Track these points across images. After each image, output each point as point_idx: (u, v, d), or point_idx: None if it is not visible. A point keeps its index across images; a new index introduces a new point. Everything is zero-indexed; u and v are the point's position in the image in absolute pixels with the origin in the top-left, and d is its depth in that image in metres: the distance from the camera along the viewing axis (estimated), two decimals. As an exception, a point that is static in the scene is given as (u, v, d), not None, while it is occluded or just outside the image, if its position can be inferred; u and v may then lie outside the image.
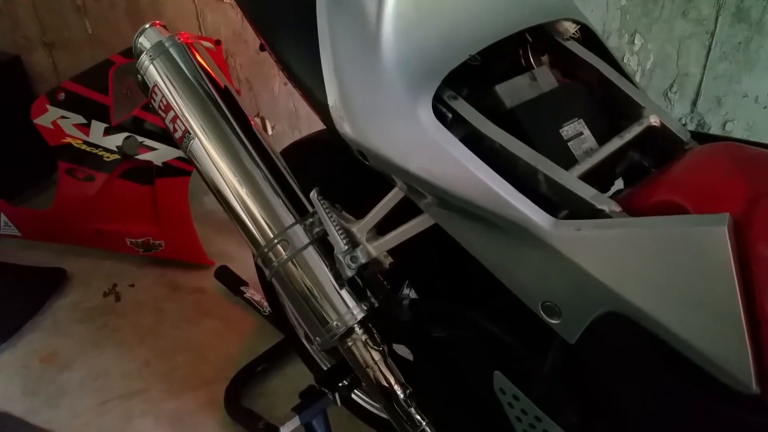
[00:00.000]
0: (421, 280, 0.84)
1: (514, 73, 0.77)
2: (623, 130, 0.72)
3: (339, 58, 0.69)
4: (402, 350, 0.92)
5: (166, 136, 1.54)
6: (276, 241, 0.81)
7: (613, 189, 0.72)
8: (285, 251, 0.81)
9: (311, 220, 0.82)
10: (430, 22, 0.68)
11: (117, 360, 1.41)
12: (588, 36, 0.82)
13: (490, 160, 0.63)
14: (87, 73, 1.58)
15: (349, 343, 0.82)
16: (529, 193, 0.61)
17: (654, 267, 0.54)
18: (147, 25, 0.92)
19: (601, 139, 0.73)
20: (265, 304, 1.48)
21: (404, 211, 0.74)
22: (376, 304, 0.82)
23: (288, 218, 0.82)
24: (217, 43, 1.57)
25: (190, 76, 0.86)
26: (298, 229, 0.81)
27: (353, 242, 0.78)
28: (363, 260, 0.77)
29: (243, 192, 0.83)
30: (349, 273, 0.78)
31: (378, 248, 0.77)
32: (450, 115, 0.67)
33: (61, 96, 1.57)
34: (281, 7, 0.81)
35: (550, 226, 0.60)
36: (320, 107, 0.72)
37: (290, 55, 0.78)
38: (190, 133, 0.84)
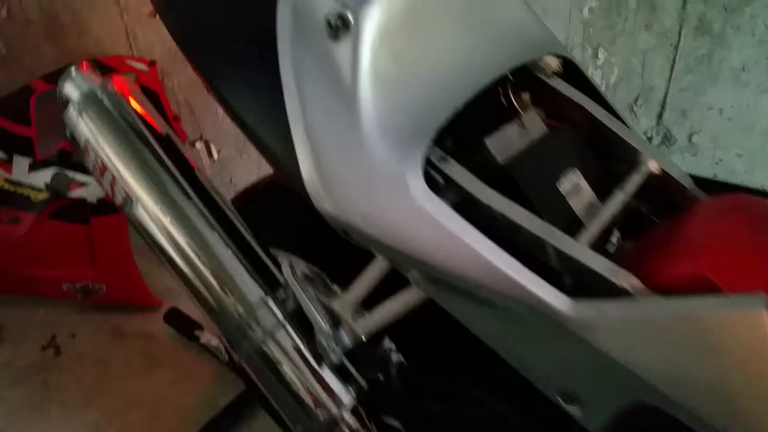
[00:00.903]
0: (411, 345, 0.75)
1: (496, 115, 0.69)
2: (622, 180, 0.66)
3: (311, 119, 0.59)
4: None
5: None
6: (244, 321, 0.70)
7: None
8: (255, 332, 0.71)
9: (283, 293, 0.71)
10: (412, 76, 0.60)
11: (62, 425, 1.27)
12: (571, 70, 0.75)
13: (489, 229, 0.55)
14: (4, 102, 1.40)
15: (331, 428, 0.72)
16: (535, 266, 0.54)
17: (686, 353, 0.49)
18: (72, 69, 0.79)
19: (598, 189, 0.67)
20: (222, 350, 1.36)
21: (392, 278, 0.65)
22: (366, 387, 0.72)
23: (256, 293, 0.71)
24: (151, 64, 1.43)
25: (129, 132, 0.74)
26: (270, 304, 0.71)
27: (335, 320, 0.68)
28: (349, 344, 0.67)
29: (200, 264, 0.71)
30: (334, 359, 0.68)
31: (365, 328, 0.67)
32: (441, 181, 0.59)
33: (-25, 130, 1.39)
34: (227, 35, 0.69)
35: (569, 309, 0.52)
36: (289, 174, 0.61)
37: (244, 105, 0.67)
38: (131, 199, 0.72)
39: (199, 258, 0.71)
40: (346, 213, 0.58)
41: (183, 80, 1.44)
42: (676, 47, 1.31)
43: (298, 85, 0.60)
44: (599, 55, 1.35)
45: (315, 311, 0.67)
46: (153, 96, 1.41)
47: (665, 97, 1.36)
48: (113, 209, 1.42)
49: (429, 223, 0.55)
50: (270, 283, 0.72)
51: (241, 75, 0.67)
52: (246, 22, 0.66)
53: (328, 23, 0.57)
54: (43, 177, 1.39)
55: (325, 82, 0.58)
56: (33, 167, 1.39)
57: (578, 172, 0.67)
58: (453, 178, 0.58)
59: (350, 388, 0.71)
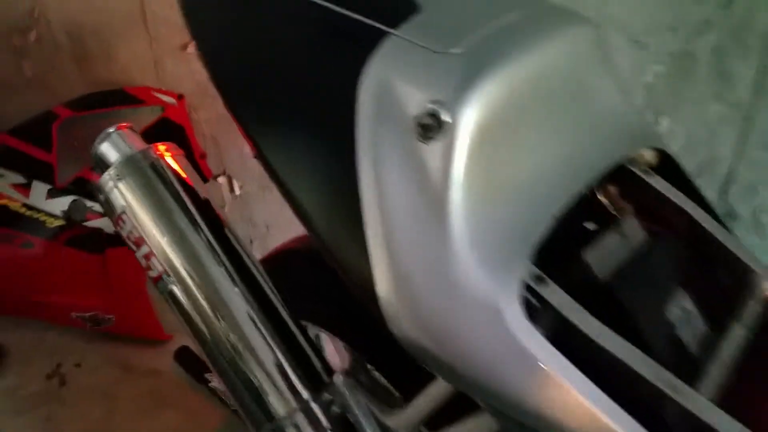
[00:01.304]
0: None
1: (586, 218, 0.64)
2: (735, 306, 0.59)
3: (393, 225, 0.53)
4: None
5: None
6: (282, 423, 0.66)
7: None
8: None
9: (328, 396, 0.67)
10: (509, 185, 0.53)
11: (61, 465, 1.24)
12: (667, 165, 0.68)
13: (589, 364, 0.49)
14: (27, 126, 1.38)
15: None
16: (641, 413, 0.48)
17: None
18: (112, 130, 0.74)
19: (707, 313, 0.60)
20: (233, 394, 1.33)
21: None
22: None
23: (298, 392, 0.67)
24: (180, 97, 1.40)
25: (170, 206, 0.69)
26: (312, 406, 0.66)
27: None
28: None
29: (238, 356, 0.67)
30: None
31: None
32: (538, 305, 0.52)
33: (-3, 151, 1.37)
34: (291, 102, 0.61)
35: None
36: (357, 284, 0.56)
37: (303, 184, 0.62)
38: (170, 276, 0.68)
39: (236, 350, 0.67)
40: (424, 338, 0.52)
41: (211, 115, 1.41)
42: (749, 119, 1.24)
43: (378, 183, 0.53)
44: (662, 123, 1.29)
45: (367, 427, 0.63)
46: (179, 131, 1.38)
47: (732, 171, 1.28)
48: (129, 242, 1.40)
49: (526, 361, 0.48)
50: (314, 380, 0.68)
51: (304, 151, 0.61)
52: (317, 93, 0.59)
53: (419, 122, 0.50)
54: (61, 204, 1.37)
55: (411, 187, 0.51)
56: (51, 194, 1.36)
57: (685, 293, 0.61)
58: (552, 303, 0.51)
59: None
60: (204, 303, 0.67)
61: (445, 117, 0.48)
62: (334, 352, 0.97)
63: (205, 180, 1.44)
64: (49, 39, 1.41)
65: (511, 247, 0.51)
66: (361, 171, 0.53)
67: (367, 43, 0.52)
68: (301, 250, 0.92)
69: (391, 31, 0.51)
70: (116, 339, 1.50)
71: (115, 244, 1.39)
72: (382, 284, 0.53)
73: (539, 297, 0.51)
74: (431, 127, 0.48)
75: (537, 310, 0.51)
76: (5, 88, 1.47)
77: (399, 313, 0.53)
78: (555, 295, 0.51)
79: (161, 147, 0.74)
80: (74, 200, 1.36)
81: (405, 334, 0.53)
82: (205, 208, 0.72)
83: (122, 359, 1.46)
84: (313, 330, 0.90)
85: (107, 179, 0.71)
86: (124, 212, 0.70)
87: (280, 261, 0.94)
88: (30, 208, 1.38)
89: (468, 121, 0.48)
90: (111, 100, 1.41)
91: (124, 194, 0.70)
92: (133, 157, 0.71)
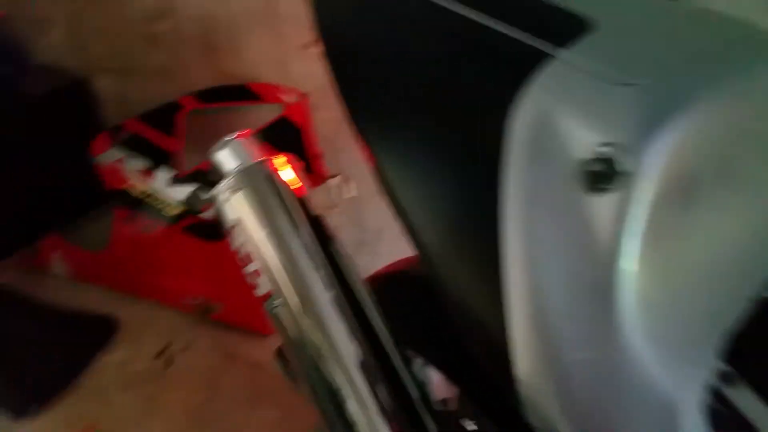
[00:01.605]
0: None
1: None
2: None
3: (543, 300, 0.43)
4: None
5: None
6: None
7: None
8: None
9: None
10: (694, 257, 0.43)
11: (163, 446, 1.26)
12: None
13: None
14: (154, 114, 1.42)
15: None
16: None
17: None
18: (231, 137, 0.72)
19: None
20: None
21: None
22: None
23: None
24: (302, 96, 1.38)
25: (283, 226, 0.66)
26: None
27: None
28: None
29: (339, 391, 0.63)
30: None
31: None
32: (724, 410, 0.43)
33: (125, 135, 1.42)
34: (427, 126, 0.54)
35: None
36: (486, 353, 0.49)
37: (431, 224, 0.54)
38: (279, 298, 0.65)
39: (334, 384, 0.63)
40: None
41: (331, 115, 1.39)
42: None
43: (527, 236, 0.43)
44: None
45: None
46: (297, 131, 1.37)
47: None
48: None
49: None
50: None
51: (433, 180, 0.54)
52: (457, 118, 0.50)
53: (587, 168, 0.39)
54: (181, 193, 1.39)
55: (572, 249, 0.41)
56: (173, 182, 1.40)
57: None
58: (739, 409, 0.43)
59: None
60: (311, 334, 0.63)
61: (623, 165, 0.37)
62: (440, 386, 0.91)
63: (319, 182, 1.42)
64: (179, 29, 1.44)
65: (695, 336, 0.41)
66: (506, 218, 0.43)
67: (525, 66, 0.42)
68: (412, 274, 0.87)
69: (556, 53, 0.42)
70: (223, 327, 1.52)
71: (228, 235, 1.40)
72: (524, 364, 0.44)
73: (724, 400, 0.42)
74: (602, 175, 0.38)
75: (721, 417, 0.41)
76: (136, 75, 1.52)
77: (542, 402, 0.44)
78: (745, 399, 0.42)
79: (280, 159, 0.70)
80: (194, 190, 1.39)
81: (546, 425, 0.45)
82: (318, 227, 0.68)
83: (227, 347, 1.48)
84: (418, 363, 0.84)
85: (222, 189, 0.68)
86: (236, 225, 0.67)
87: (389, 282, 0.89)
88: (152, 193, 1.42)
89: (653, 171, 0.37)
90: (233, 95, 1.43)
91: (237, 207, 0.66)
92: (250, 169, 0.68)
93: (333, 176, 1.47)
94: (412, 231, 0.56)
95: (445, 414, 0.85)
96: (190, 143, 1.39)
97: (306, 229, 0.66)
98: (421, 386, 0.65)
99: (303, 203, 0.68)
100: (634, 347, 0.39)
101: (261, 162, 0.70)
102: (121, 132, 1.41)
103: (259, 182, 0.67)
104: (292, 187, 0.69)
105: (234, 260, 1.51)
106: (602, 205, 0.38)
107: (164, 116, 1.39)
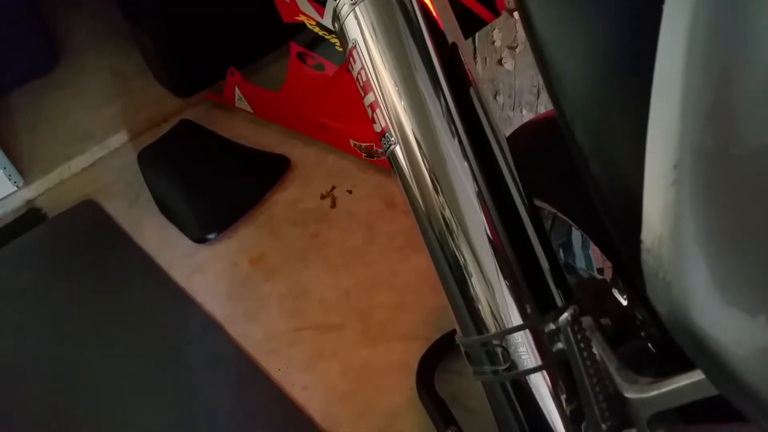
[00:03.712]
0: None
1: None
2: None
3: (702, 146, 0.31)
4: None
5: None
6: (494, 342, 0.53)
7: None
8: (503, 362, 0.53)
9: (554, 326, 0.51)
10: None
11: (319, 281, 1.31)
12: None
13: None
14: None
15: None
16: None
17: None
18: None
19: None
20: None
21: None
22: None
23: (521, 309, 0.52)
24: None
25: (408, 51, 0.55)
26: (531, 336, 0.52)
27: (616, 414, 0.48)
28: None
29: (458, 248, 0.54)
30: None
31: None
32: None
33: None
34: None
35: None
36: (610, 214, 0.39)
37: (567, 55, 0.42)
38: (393, 136, 0.56)
39: (458, 240, 0.54)
40: (720, 334, 0.33)
41: None
42: None
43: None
44: None
45: (597, 401, 0.47)
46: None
47: None
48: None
49: None
50: (543, 300, 0.52)
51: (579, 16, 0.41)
52: None
53: None
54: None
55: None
56: (343, 16, 1.32)
57: None
58: None
59: None
60: (426, 175, 0.54)
61: None
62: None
63: (496, 14, 1.25)
64: None
65: None
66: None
67: None
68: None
69: None
70: (385, 173, 1.50)
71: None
72: (654, 228, 0.34)
73: None
74: None
75: None
76: None
77: (672, 281, 0.34)
78: None
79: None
80: (362, 25, 1.30)
81: (679, 318, 0.34)
82: (451, 58, 0.56)
83: (388, 194, 1.47)
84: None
85: (344, 1, 0.59)
86: (356, 46, 0.58)
87: (535, 133, 0.75)
88: (323, 27, 1.36)
89: None
90: None
91: (359, 22, 0.57)
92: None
93: (513, 10, 1.29)
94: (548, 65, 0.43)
95: (598, 282, 0.74)
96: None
97: (436, 60, 0.55)
98: (558, 264, 0.54)
99: (436, 29, 0.56)
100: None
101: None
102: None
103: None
104: (427, 7, 0.57)
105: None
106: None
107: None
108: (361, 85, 0.58)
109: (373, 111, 0.57)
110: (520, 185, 0.55)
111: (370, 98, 0.57)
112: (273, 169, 1.55)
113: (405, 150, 0.55)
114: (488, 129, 0.56)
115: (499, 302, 0.53)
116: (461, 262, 0.54)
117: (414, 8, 0.56)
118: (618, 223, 0.39)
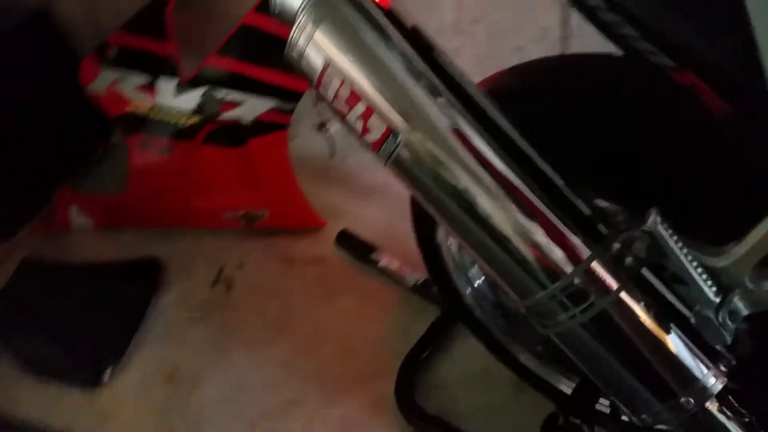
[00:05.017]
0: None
1: None
2: None
3: None
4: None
5: (254, 85, 1.22)
6: (566, 287, 0.52)
7: None
8: (580, 302, 0.53)
9: (617, 245, 0.52)
10: None
11: (251, 366, 1.19)
12: None
13: None
14: (138, 18, 1.25)
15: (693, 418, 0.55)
16: None
17: None
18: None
19: None
20: (406, 273, 1.23)
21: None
22: (734, 362, 0.54)
23: (582, 246, 0.52)
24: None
25: (380, 47, 0.53)
26: (601, 265, 0.52)
27: (723, 286, 0.50)
28: (746, 311, 0.50)
29: (502, 216, 0.53)
30: (727, 337, 0.51)
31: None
32: None
33: (113, 52, 1.26)
34: None
35: None
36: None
37: None
38: (397, 135, 0.53)
39: (498, 215, 0.53)
40: None
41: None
42: None
43: None
44: None
45: (701, 280, 0.49)
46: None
47: None
48: (270, 128, 1.28)
49: None
50: (594, 237, 0.53)
51: None
52: None
53: None
54: (191, 99, 1.25)
55: None
56: (179, 90, 1.25)
57: None
58: None
59: (719, 365, 0.53)
60: (447, 156, 0.53)
61: None
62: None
63: None
64: None
65: None
66: None
67: None
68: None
69: None
70: (273, 233, 1.42)
71: (257, 134, 1.27)
72: None
73: None
74: None
75: None
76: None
77: None
78: None
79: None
80: (204, 92, 1.25)
81: None
82: (418, 39, 0.56)
83: (283, 252, 1.39)
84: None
85: (298, 32, 0.55)
86: (327, 66, 0.54)
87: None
88: (160, 109, 1.28)
89: None
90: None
91: (323, 44, 0.54)
92: (322, -5, 0.54)
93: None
94: None
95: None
96: (188, 40, 1.24)
97: (404, 44, 0.54)
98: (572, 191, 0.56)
99: (392, 18, 0.56)
100: None
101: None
102: (108, 49, 1.25)
103: (339, 6, 0.54)
104: (376, 3, 0.56)
105: (266, 159, 1.38)
106: None
107: (151, 18, 1.22)
108: (344, 101, 0.55)
109: (367, 120, 0.54)
110: (522, 138, 0.56)
111: (359, 110, 0.54)
112: (147, 276, 1.39)
113: (415, 142, 0.53)
114: (473, 91, 0.56)
115: (557, 249, 0.53)
116: (510, 228, 0.53)
117: (368, 10, 0.55)
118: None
